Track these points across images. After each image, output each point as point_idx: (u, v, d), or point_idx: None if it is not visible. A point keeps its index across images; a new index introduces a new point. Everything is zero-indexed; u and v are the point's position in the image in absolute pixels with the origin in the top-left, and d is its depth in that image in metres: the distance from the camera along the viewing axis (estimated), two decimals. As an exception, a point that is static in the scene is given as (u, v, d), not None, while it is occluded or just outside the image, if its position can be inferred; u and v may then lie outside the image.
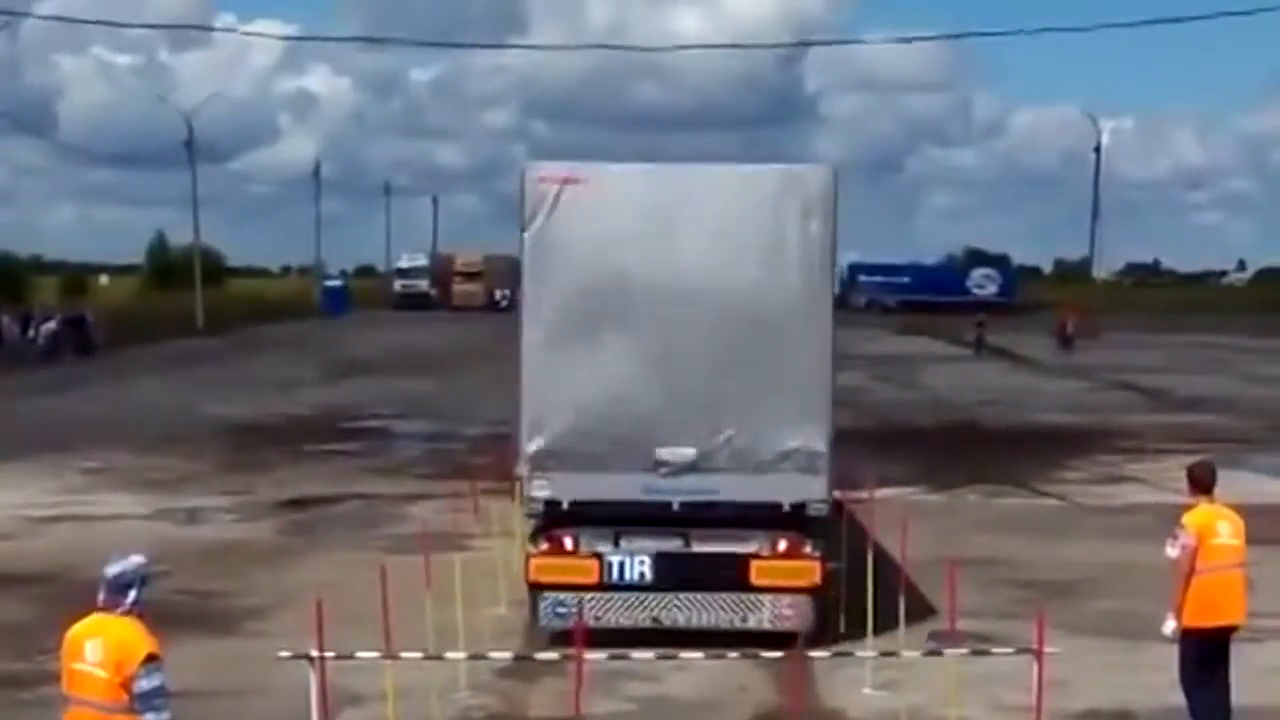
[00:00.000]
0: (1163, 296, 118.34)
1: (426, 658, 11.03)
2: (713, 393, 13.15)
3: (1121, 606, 15.71)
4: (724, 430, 13.15)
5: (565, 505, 13.29)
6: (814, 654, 11.60)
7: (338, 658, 10.13)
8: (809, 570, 13.27)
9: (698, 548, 13.41)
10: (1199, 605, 10.98)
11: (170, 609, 12.39)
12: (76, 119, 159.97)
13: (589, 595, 13.30)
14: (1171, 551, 11.16)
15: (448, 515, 19.96)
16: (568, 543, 13.43)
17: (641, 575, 13.37)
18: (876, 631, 12.99)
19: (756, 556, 13.30)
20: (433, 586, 13.07)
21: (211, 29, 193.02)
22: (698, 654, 11.52)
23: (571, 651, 10.75)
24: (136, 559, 7.90)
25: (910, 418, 35.66)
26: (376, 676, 11.04)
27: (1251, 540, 11.43)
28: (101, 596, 7.80)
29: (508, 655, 12.13)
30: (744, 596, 13.30)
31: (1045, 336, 66.71)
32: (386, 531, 20.26)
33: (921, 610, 14.20)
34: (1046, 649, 10.01)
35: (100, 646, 7.68)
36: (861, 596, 13.45)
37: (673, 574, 13.34)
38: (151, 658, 7.64)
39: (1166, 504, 22.39)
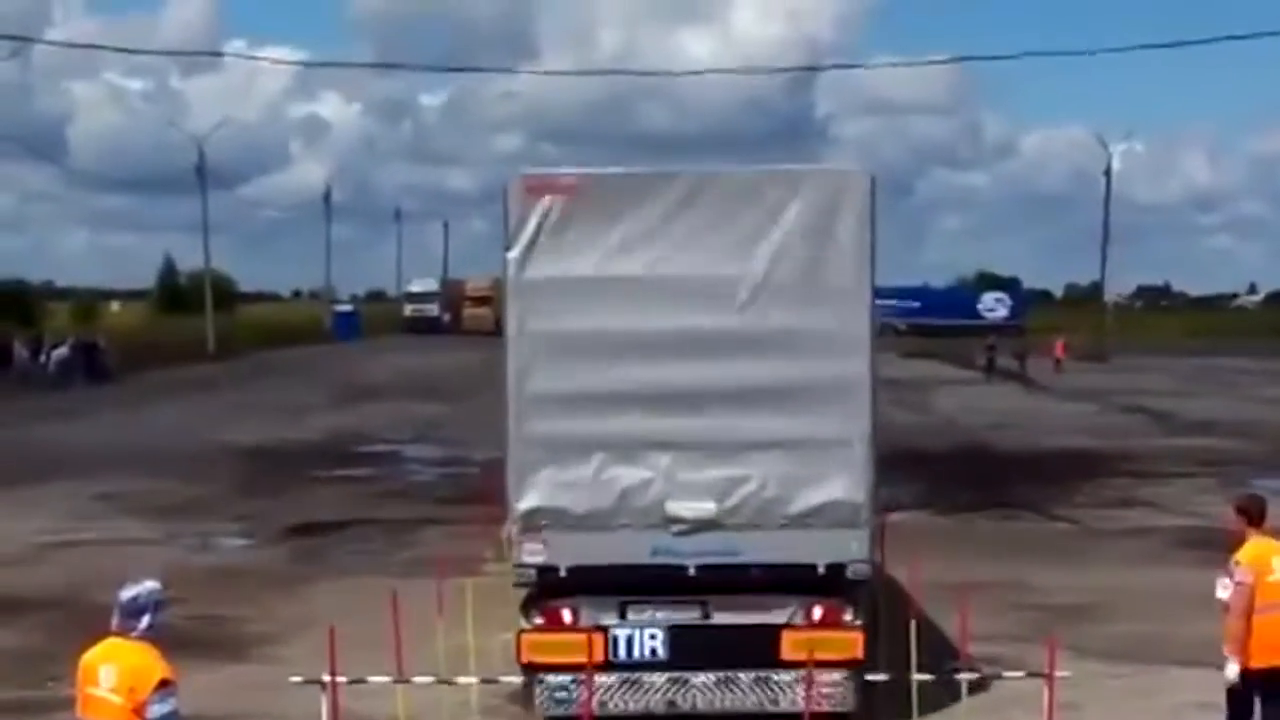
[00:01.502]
0: (1174, 320, 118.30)
1: (438, 682, 11.05)
2: (733, 435, 11.29)
3: (1132, 630, 15.72)
4: (747, 480, 11.30)
5: (562, 572, 11.37)
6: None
7: (350, 682, 10.16)
8: (850, 642, 11.42)
9: (719, 619, 11.52)
10: (1255, 646, 10.31)
11: (183, 634, 12.41)
12: (87, 145, 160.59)
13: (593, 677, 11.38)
14: (1222, 593, 10.64)
15: (459, 540, 19.98)
16: (566, 616, 11.51)
17: (653, 652, 11.50)
18: (887, 655, 12.96)
19: (788, 627, 11.42)
20: (444, 611, 13.06)
21: (222, 54, 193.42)
22: (711, 676, 11.45)
23: (582, 676, 10.72)
24: (150, 584, 7.93)
25: (921, 441, 35.63)
26: (389, 701, 11.06)
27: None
28: (115, 621, 7.82)
29: (518, 679, 12.11)
30: (774, 675, 11.44)
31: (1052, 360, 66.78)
32: (398, 556, 20.28)
33: (932, 634, 14.19)
34: (1057, 673, 10.00)
35: (114, 672, 7.70)
36: (872, 621, 13.40)
37: (690, 650, 11.45)
38: (165, 683, 7.66)
39: (1177, 527, 22.51)
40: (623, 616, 11.54)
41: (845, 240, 11.33)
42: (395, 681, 10.68)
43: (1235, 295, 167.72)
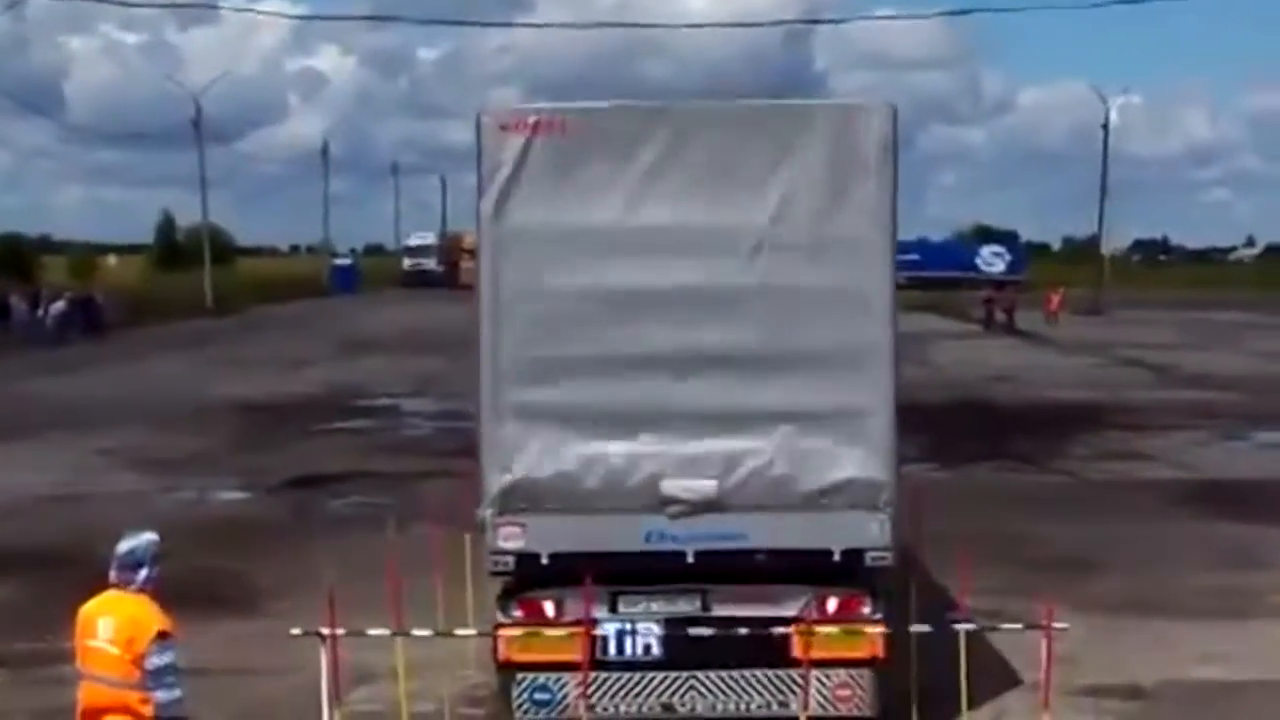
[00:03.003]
0: (1171, 273, 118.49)
1: (437, 635, 11.07)
2: (737, 405, 9.97)
3: (1131, 583, 15.77)
4: (752, 455, 10.01)
5: (544, 559, 10.12)
6: (822, 630, 10.68)
7: (349, 635, 10.18)
8: (869, 638, 10.23)
9: (721, 612, 10.24)
10: None
11: (182, 587, 12.42)
12: (84, 99, 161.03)
13: (579, 677, 10.18)
14: None
15: (458, 493, 19.99)
16: (549, 608, 10.31)
17: (648, 649, 10.30)
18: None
19: (799, 621, 10.14)
20: (443, 564, 13.06)
21: (219, 7, 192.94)
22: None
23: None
24: (148, 536, 7.98)
25: (920, 394, 35.63)
26: (388, 654, 11.09)
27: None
28: (114, 574, 7.88)
29: (517, 632, 12.10)
30: (784, 674, 10.22)
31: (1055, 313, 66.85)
32: (397, 509, 20.28)
33: (930, 586, 14.22)
34: (1055, 625, 10.02)
35: (112, 623, 7.75)
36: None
37: (689, 647, 10.20)
38: (163, 635, 7.71)
39: (1175, 480, 22.56)
40: (613, 609, 10.33)
41: (864, 184, 9.92)
42: (394, 634, 10.69)
43: (1233, 249, 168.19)
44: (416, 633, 10.81)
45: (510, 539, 10.16)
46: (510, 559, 10.22)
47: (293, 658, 11.29)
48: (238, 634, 13.74)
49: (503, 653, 10.43)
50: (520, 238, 9.95)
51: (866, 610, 10.31)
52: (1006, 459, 25.66)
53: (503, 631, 10.41)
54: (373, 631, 10.56)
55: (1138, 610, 14.46)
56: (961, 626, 10.97)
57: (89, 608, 7.94)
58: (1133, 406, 33.47)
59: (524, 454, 10.06)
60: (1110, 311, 74.48)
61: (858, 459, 10.01)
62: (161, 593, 7.96)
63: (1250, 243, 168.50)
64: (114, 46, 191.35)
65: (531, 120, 9.93)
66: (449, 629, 11.39)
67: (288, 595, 15.09)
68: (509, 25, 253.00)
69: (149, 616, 7.72)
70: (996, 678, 11.94)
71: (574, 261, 9.94)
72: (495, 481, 10.10)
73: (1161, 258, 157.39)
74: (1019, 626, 11.01)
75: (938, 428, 29.12)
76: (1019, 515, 19.83)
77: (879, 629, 10.29)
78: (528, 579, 10.32)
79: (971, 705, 10.04)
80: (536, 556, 10.13)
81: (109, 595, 7.89)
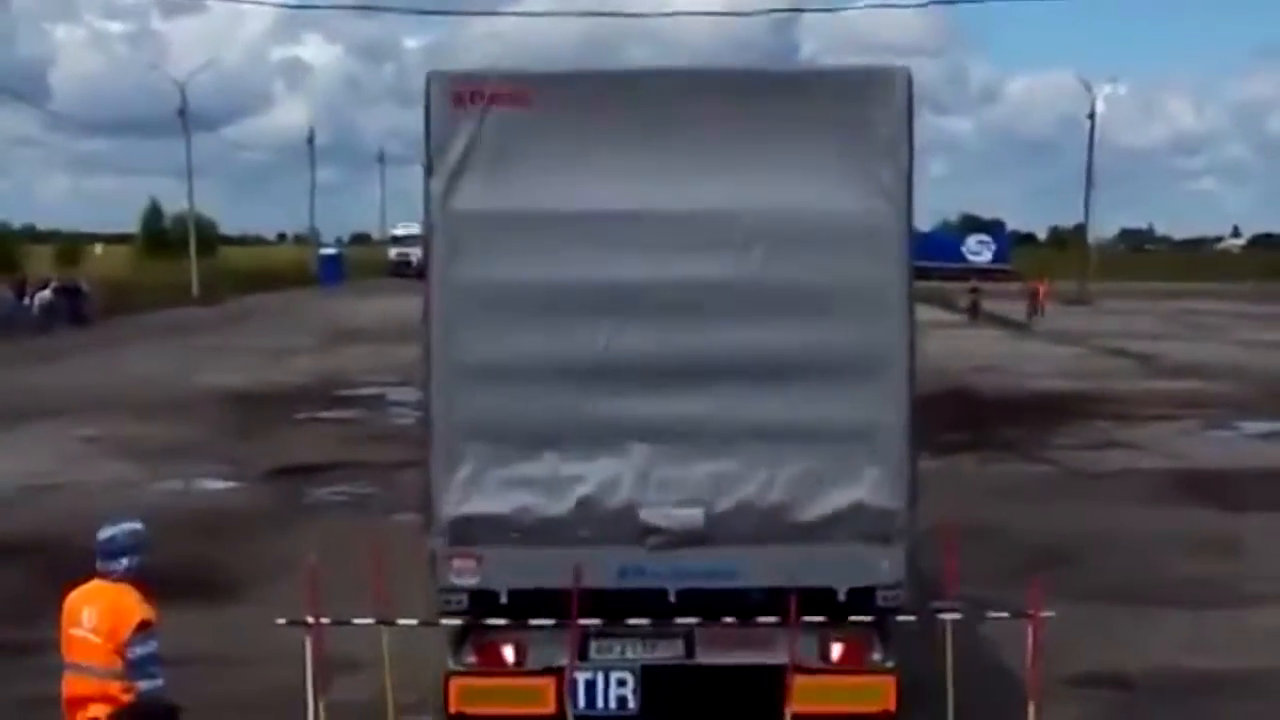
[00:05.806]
0: (1157, 262, 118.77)
1: (421, 624, 11.05)
2: (728, 421, 8.67)
3: (1116, 572, 15.80)
4: (745, 479, 8.72)
5: (503, 598, 8.88)
6: (807, 619, 11.04)
7: (333, 624, 10.16)
8: (879, 689, 8.97)
9: (707, 658, 8.97)
10: None
11: (168, 576, 12.38)
12: (70, 88, 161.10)
13: None
14: None
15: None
16: (508, 654, 9.06)
17: (623, 701, 8.97)
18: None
19: (798, 670, 8.87)
20: (428, 553, 13.00)
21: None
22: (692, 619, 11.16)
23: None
24: (129, 525, 7.97)
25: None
26: (374, 643, 11.07)
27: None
28: (97, 563, 7.86)
29: (502, 621, 12.07)
30: None
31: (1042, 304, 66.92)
32: (383, 498, 20.28)
33: (915, 575, 14.21)
34: (1041, 613, 10.02)
35: (95, 613, 7.75)
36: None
37: (671, 699, 8.93)
38: (145, 624, 7.69)
39: (1160, 470, 22.59)
40: (583, 656, 9.01)
41: (876, 162, 8.67)
42: (378, 623, 10.66)
43: (1219, 238, 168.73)
44: (401, 622, 10.80)
45: (464, 574, 8.93)
46: (464, 597, 9.00)
47: (277, 647, 11.27)
48: (222, 623, 13.71)
49: (454, 704, 9.11)
50: (477, 223, 8.62)
51: (876, 657, 9.09)
52: (992, 448, 25.66)
53: (454, 681, 9.11)
54: (357, 621, 10.55)
55: (1124, 599, 14.47)
56: (948, 616, 10.97)
57: (74, 597, 7.93)
58: (1118, 396, 33.52)
59: (481, 476, 8.78)
60: (1096, 301, 74.63)
61: (866, 484, 8.86)
62: (146, 581, 7.95)
63: (1236, 233, 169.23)
64: (99, 35, 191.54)
65: (489, 89, 8.54)
66: (433, 619, 11.38)
67: (273, 584, 15.05)
68: (495, 14, 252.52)
69: (131, 606, 7.70)
70: (983, 667, 11.94)
71: (537, 252, 8.62)
72: (446, 506, 8.85)
73: (1148, 247, 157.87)
74: (1005, 615, 11.01)
75: (923, 417, 29.14)
76: (1004, 505, 19.85)
77: (891, 678, 9.04)
78: (484, 618, 9.14)
79: (958, 695, 10.02)
80: (494, 594, 8.93)
81: (93, 584, 7.89)
